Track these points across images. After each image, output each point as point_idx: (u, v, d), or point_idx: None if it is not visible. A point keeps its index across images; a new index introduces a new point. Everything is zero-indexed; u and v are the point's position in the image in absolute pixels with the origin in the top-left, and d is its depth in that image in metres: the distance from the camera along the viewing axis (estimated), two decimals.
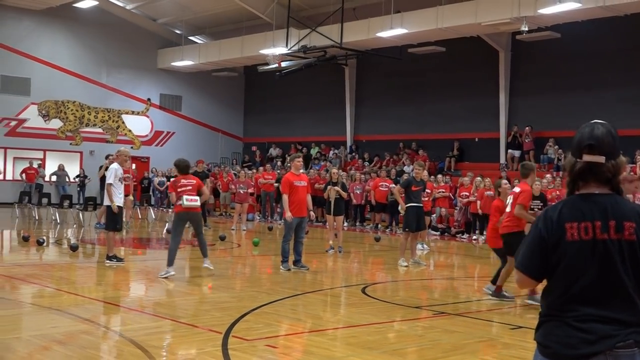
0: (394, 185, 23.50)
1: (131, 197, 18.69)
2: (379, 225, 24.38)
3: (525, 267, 3.13)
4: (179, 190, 11.60)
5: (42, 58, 32.01)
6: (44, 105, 32.05)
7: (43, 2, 30.12)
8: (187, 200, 11.49)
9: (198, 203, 11.61)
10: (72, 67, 32.89)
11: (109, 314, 8.84)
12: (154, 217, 25.50)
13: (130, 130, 34.64)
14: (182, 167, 11.96)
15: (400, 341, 7.62)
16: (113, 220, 12.86)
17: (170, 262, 11.48)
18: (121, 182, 12.94)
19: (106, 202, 12.98)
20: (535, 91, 26.59)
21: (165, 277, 11.29)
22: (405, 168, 26.60)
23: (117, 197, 12.78)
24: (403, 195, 14.38)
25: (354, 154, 31.77)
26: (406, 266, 13.91)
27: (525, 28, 22.32)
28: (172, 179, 12.45)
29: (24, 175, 29.95)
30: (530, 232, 3.17)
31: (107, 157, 18.77)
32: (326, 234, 16.93)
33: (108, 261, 12.76)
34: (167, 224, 22.35)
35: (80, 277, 11.90)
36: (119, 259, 12.89)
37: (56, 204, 23.85)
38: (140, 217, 25.60)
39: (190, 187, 11.62)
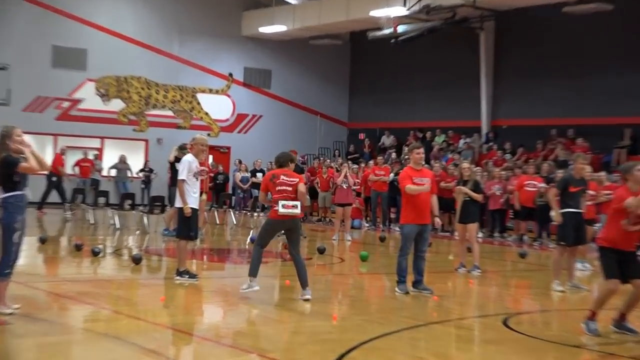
0: (543, 184, 22.94)
1: (204, 197, 18.94)
2: (525, 237, 23.91)
3: None
4: (277, 189, 11.51)
5: (101, 24, 32.99)
6: (102, 82, 32.99)
7: None
8: (283, 206, 11.37)
9: (298, 210, 11.49)
10: (137, 36, 33.75)
11: (178, 344, 8.92)
12: (234, 222, 25.78)
13: (207, 114, 35.23)
14: (282, 161, 11.82)
15: None
16: (186, 226, 12.98)
17: (253, 272, 11.49)
18: (196, 179, 13.07)
19: (177, 203, 13.13)
20: None
21: (247, 291, 11.34)
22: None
23: (191, 197, 12.91)
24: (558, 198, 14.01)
25: (491, 143, 31.30)
26: (562, 291, 13.59)
27: None
28: (267, 174, 12.30)
29: (76, 168, 30.71)
30: None
31: (181, 148, 18.91)
32: (455, 247, 16.69)
33: (178, 277, 12.90)
34: (251, 232, 22.51)
35: (143, 297, 12.07)
36: (192, 275, 13.01)
37: (115, 205, 24.45)
38: (218, 222, 25.98)
39: (290, 188, 11.50)
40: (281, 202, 11.38)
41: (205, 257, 17.69)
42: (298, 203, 11.48)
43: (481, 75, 32.10)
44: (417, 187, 12.31)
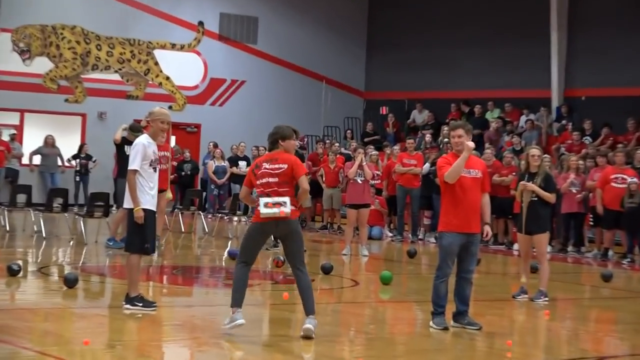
0: (636, 179, 22.92)
1: (169, 194, 18.90)
2: (610, 252, 23.90)
3: None
4: (258, 183, 11.50)
5: None
6: (22, 34, 32.99)
7: None
8: (266, 205, 11.32)
9: (287, 209, 11.42)
10: None
11: None
12: (206, 229, 25.77)
13: (167, 78, 35.23)
14: (271, 140, 11.77)
15: None
16: (138, 235, 13.00)
17: (236, 301, 11.48)
18: (154, 169, 13.09)
19: (126, 203, 13.16)
20: None
21: (230, 326, 11.33)
22: None
23: (146, 195, 12.93)
24: None
25: (564, 121, 31.31)
26: None
27: None
28: (253, 163, 12.32)
29: None
30: None
31: (134, 129, 18.87)
32: (514, 265, 16.71)
33: (128, 305, 12.94)
34: (229, 243, 22.51)
35: (79, 331, 12.06)
36: (147, 303, 13.06)
37: (40, 205, 24.47)
38: (183, 229, 26.04)
39: (275, 179, 11.46)
40: (262, 200, 11.35)
41: (165, 277, 17.72)
42: (286, 199, 11.33)
43: (551, 28, 32.11)
44: (458, 162, 12.16)
